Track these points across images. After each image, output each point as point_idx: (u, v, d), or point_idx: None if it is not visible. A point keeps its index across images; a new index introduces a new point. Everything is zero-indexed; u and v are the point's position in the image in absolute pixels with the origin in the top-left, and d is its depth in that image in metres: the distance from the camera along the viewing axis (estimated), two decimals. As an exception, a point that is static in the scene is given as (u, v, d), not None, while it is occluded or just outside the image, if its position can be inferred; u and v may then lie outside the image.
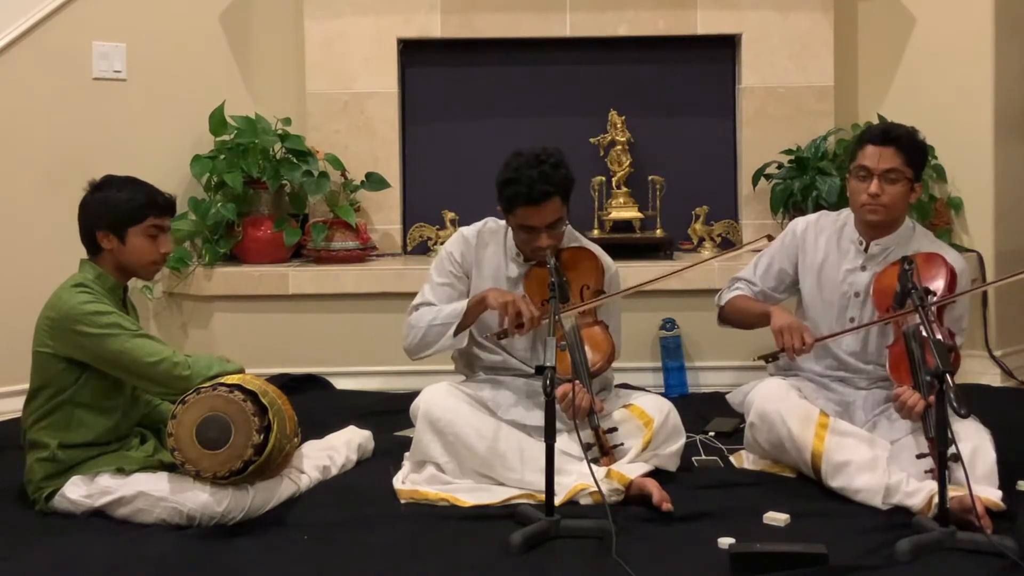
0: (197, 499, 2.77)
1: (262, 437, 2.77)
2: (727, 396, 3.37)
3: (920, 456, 2.82)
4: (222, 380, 2.84)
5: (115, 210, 2.92)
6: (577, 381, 2.97)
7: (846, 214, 3.26)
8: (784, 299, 3.39)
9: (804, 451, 3.02)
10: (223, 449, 2.75)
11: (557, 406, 2.83)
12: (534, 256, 3.13)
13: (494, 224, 3.30)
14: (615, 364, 3.19)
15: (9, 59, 4.13)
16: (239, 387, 2.80)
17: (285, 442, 2.86)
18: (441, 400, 3.06)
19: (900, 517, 2.78)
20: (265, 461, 2.78)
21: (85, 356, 2.86)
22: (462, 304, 3.13)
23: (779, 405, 3.09)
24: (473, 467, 3.01)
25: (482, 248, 3.26)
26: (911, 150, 3.08)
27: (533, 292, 3.13)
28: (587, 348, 3.07)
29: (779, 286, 3.35)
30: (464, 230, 3.31)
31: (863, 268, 3.18)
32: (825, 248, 3.25)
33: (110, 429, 2.92)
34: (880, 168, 3.05)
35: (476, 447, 3.01)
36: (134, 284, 4.27)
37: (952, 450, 2.59)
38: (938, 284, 3.01)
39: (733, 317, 3.35)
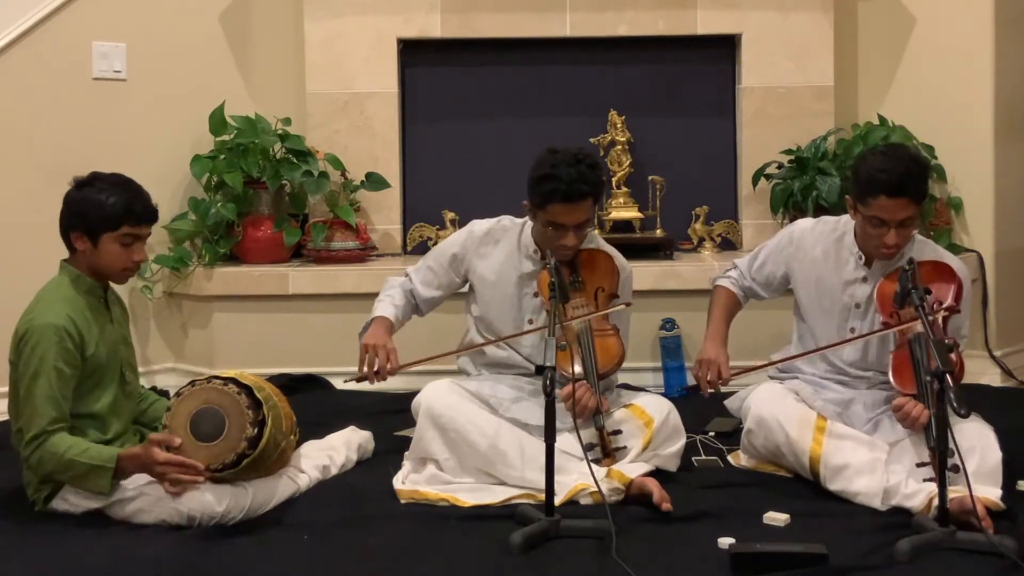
0: (197, 499, 2.76)
1: (256, 431, 2.77)
2: (725, 402, 3.36)
3: (920, 465, 2.80)
4: (217, 374, 2.85)
5: (91, 213, 2.85)
6: (584, 382, 2.97)
7: (844, 221, 3.22)
8: (771, 298, 3.40)
9: (802, 455, 3.01)
10: (217, 441, 2.75)
11: (561, 405, 2.83)
12: (556, 254, 3.13)
13: (508, 222, 3.32)
14: (617, 364, 3.19)
15: (9, 59, 4.13)
16: (234, 380, 2.82)
17: (280, 437, 2.86)
18: (443, 396, 3.07)
19: (900, 517, 2.78)
20: (259, 455, 2.78)
21: (17, 357, 2.84)
22: (379, 310, 3.27)
23: (776, 410, 3.08)
24: (474, 464, 3.01)
25: (491, 245, 3.28)
26: (922, 189, 3.00)
27: (547, 290, 3.13)
28: (597, 352, 3.07)
29: (767, 286, 3.35)
30: (476, 224, 3.33)
31: (864, 280, 3.15)
32: (823, 257, 3.22)
33: (100, 428, 2.91)
34: (896, 220, 2.98)
35: (477, 444, 3.00)
36: (133, 284, 4.31)
37: (954, 460, 2.58)
38: (946, 294, 3.00)
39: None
